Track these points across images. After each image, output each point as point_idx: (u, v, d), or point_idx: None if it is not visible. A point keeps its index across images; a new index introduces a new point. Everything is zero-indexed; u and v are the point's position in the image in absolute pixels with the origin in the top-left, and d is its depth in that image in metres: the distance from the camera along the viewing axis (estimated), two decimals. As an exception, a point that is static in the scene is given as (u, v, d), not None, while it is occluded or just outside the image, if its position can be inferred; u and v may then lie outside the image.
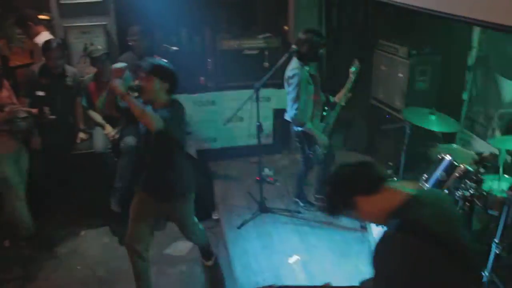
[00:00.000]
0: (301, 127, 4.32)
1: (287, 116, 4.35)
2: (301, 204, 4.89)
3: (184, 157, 3.51)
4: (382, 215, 1.93)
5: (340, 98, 4.51)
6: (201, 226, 3.90)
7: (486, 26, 3.10)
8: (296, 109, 4.20)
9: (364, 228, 4.31)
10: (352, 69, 4.43)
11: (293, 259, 4.11)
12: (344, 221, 4.58)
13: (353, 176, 2.03)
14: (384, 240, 1.88)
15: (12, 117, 4.05)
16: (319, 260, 4.08)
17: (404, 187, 1.98)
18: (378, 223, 2.08)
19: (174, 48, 5.04)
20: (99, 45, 5.06)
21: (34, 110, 4.26)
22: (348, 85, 4.46)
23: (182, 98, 5.38)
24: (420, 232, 1.77)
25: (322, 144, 4.37)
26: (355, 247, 4.24)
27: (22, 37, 5.70)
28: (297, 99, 4.18)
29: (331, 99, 4.55)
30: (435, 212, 1.88)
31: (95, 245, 4.46)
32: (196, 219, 3.78)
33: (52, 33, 5.16)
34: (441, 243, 1.77)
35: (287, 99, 4.30)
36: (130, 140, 4.61)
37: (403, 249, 1.79)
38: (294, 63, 4.22)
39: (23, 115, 4.11)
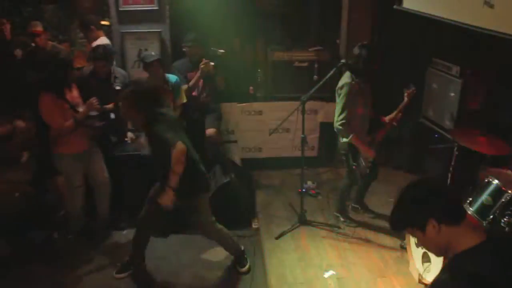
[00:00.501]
0: (346, 138, 4.32)
1: (335, 126, 4.37)
2: (342, 219, 4.84)
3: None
4: (448, 251, 1.82)
5: (391, 118, 4.57)
6: (225, 229, 4.03)
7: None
8: (343, 119, 4.23)
9: (403, 249, 4.21)
10: (408, 91, 4.49)
11: (329, 274, 4.07)
12: (384, 239, 4.53)
13: (439, 195, 1.86)
14: (436, 285, 1.82)
15: (87, 115, 4.24)
16: (355, 278, 4.02)
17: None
18: (438, 255, 1.98)
19: (221, 51, 5.11)
20: (153, 51, 5.24)
21: (109, 106, 4.51)
22: (401, 106, 4.52)
23: (228, 106, 5.60)
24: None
25: (366, 158, 4.36)
26: (393, 267, 4.15)
27: (83, 41, 5.96)
28: (344, 109, 4.22)
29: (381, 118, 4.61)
30: (501, 269, 1.74)
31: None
32: (213, 220, 3.93)
33: (110, 38, 5.40)
34: None
35: (336, 109, 4.35)
36: None
37: None
38: (346, 74, 4.30)
39: (95, 113, 4.32)
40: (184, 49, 5.23)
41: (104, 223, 4.69)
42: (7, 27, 5.22)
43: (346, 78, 4.28)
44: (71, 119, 4.12)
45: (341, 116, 4.24)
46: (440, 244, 1.83)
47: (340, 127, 4.26)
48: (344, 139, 4.36)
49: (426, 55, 5.65)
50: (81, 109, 4.21)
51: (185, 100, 4.95)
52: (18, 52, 5.27)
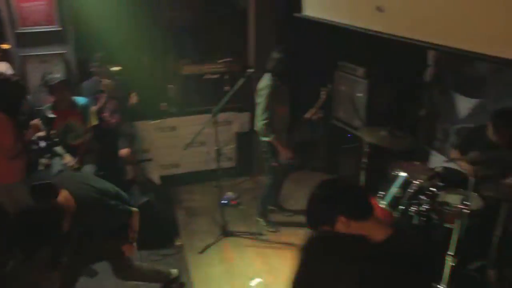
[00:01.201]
0: (268, 137, 4.44)
1: (256, 126, 4.51)
2: (263, 223, 4.90)
3: None
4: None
5: (308, 117, 4.74)
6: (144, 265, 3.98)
7: (441, 49, 3.19)
8: (265, 119, 4.37)
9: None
10: (324, 90, 4.73)
11: (256, 282, 4.08)
12: (306, 241, 4.60)
13: (347, 193, 1.96)
14: None
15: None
16: (282, 282, 4.02)
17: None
18: None
19: (116, 68, 4.99)
20: (58, 73, 5.02)
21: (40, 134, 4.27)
22: (318, 104, 4.70)
23: (141, 124, 5.48)
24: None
25: (285, 156, 4.51)
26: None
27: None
28: (266, 109, 4.37)
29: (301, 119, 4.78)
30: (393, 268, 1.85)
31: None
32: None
33: (11, 62, 5.13)
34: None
35: (257, 110, 4.48)
36: (89, 168, 4.56)
37: None
38: (266, 76, 4.44)
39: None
40: (92, 70, 5.05)
41: None
42: None
43: (266, 80, 4.43)
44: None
45: (264, 116, 4.39)
46: (361, 232, 1.91)
47: (263, 126, 4.40)
48: (265, 138, 4.48)
49: (333, 59, 5.84)
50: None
51: (95, 123, 4.79)
52: None
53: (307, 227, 2.04)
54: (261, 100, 4.42)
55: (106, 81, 4.81)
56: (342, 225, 1.87)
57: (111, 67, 5.05)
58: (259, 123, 4.43)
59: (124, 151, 5.05)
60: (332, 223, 1.88)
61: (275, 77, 4.41)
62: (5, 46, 5.33)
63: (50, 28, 5.19)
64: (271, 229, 4.87)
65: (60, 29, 5.21)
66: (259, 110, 4.45)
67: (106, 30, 5.21)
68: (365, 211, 1.91)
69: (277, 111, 4.46)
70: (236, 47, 6.13)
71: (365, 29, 4.18)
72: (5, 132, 3.91)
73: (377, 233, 1.87)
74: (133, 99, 5.16)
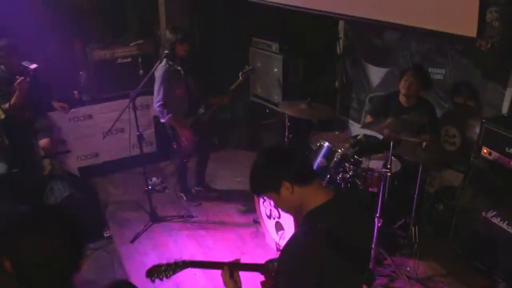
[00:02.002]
0: (163, 119, 4.51)
1: (154, 108, 4.58)
2: (185, 198, 4.99)
3: None
4: (302, 210, 1.93)
5: (222, 99, 4.80)
6: None
7: (348, 19, 3.31)
8: (159, 101, 4.43)
9: (257, 223, 4.38)
10: (244, 70, 4.75)
11: (191, 263, 4.06)
12: (237, 217, 4.68)
13: (289, 158, 1.94)
14: (291, 243, 1.93)
15: None
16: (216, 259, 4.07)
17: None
18: (293, 215, 2.09)
19: (33, 66, 4.60)
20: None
21: None
22: (234, 86, 4.73)
23: (55, 115, 5.20)
24: (324, 241, 1.78)
25: (185, 137, 4.57)
26: (251, 242, 4.32)
27: None
28: (159, 92, 4.43)
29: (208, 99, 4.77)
30: (346, 222, 1.91)
31: None
32: None
33: None
34: (342, 252, 1.80)
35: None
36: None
37: (306, 255, 1.80)
38: (163, 61, 4.39)
39: None
40: None
41: None
42: None
43: (162, 64, 4.41)
44: None
45: (158, 98, 4.44)
46: (294, 204, 1.94)
47: (158, 108, 4.46)
48: (163, 120, 4.54)
49: (246, 35, 5.87)
50: None
51: (2, 117, 4.45)
52: None
53: (252, 193, 2.08)
54: (155, 85, 4.45)
55: (21, 81, 4.42)
56: (286, 191, 1.90)
57: (27, 64, 4.61)
58: (155, 105, 4.50)
59: (44, 142, 4.78)
60: (277, 189, 1.91)
61: (168, 59, 4.39)
62: None
63: None
64: (194, 203, 4.96)
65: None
66: (154, 93, 4.49)
67: (5, 16, 4.83)
68: (308, 176, 1.94)
69: (173, 93, 4.50)
70: (147, 29, 5.97)
71: (280, 4, 4.24)
72: None
73: (318, 198, 1.91)
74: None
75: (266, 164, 1.96)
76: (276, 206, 2.17)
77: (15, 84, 4.37)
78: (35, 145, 4.92)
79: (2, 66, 4.63)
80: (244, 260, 3.84)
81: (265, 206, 4.05)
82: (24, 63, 4.53)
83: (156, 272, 2.34)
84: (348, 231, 1.87)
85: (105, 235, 4.57)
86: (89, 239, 4.42)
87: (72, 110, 5.30)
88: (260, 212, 4.18)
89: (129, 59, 5.54)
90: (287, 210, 2.04)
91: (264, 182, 1.96)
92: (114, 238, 4.52)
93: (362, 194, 3.85)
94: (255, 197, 4.17)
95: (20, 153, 4.62)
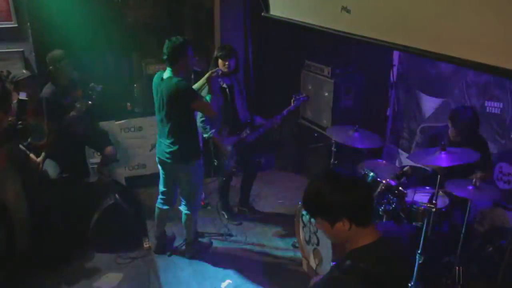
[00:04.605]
0: (206, 135, 4.47)
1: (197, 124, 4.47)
2: (226, 216, 4.97)
3: None
4: (346, 244, 1.89)
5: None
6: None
7: (405, 50, 3.24)
8: (201, 116, 4.41)
9: (296, 248, 4.31)
10: (297, 97, 4.74)
11: (225, 284, 4.05)
12: (275, 241, 4.63)
13: (357, 195, 1.85)
14: (328, 278, 1.88)
15: None
16: (251, 283, 4.04)
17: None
18: (336, 243, 1.99)
19: (100, 87, 4.77)
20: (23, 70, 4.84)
21: None
22: (286, 112, 4.70)
23: (107, 125, 5.37)
24: (363, 283, 1.74)
25: (226, 155, 4.53)
26: (288, 267, 4.26)
27: None
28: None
29: (257, 119, 4.77)
30: (388, 267, 1.86)
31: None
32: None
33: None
34: None
35: None
36: (51, 169, 4.45)
37: None
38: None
39: None
40: (50, 68, 4.61)
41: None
42: None
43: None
44: None
45: (201, 113, 4.40)
46: (343, 239, 1.90)
47: (201, 124, 4.42)
48: (205, 135, 4.50)
49: (299, 58, 5.86)
50: None
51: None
52: None
53: (304, 209, 2.03)
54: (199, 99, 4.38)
55: (84, 104, 4.62)
56: (342, 227, 1.84)
57: (95, 85, 4.77)
58: (198, 121, 4.40)
59: (108, 150, 4.93)
60: (334, 221, 1.85)
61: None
62: None
63: (5, 24, 4.98)
64: (234, 222, 4.94)
65: (16, 25, 5.02)
66: None
67: (67, 28, 5.05)
68: (368, 219, 1.88)
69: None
70: (202, 47, 6.08)
71: (331, 29, 4.20)
72: None
73: (365, 238, 1.87)
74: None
75: (333, 194, 1.84)
76: (321, 230, 2.07)
77: (77, 104, 4.56)
78: (85, 153, 5.09)
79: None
80: (277, 285, 3.86)
81: (305, 231, 3.99)
82: (92, 85, 4.70)
83: None
84: (388, 276, 1.83)
85: (145, 245, 4.64)
86: (128, 248, 4.54)
87: (124, 121, 5.46)
88: (299, 237, 4.11)
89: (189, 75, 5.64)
90: (332, 239, 2.01)
91: (324, 210, 1.88)
92: (152, 249, 4.58)
93: (405, 228, 3.72)
94: (296, 222, 4.11)
95: (72, 160, 4.79)
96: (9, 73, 4.76)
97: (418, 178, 3.98)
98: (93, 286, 4.14)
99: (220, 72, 4.26)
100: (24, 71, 4.70)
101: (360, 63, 5.46)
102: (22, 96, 4.14)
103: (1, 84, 4.17)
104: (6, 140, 3.97)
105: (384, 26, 3.48)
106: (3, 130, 3.91)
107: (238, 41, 5.77)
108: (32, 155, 4.50)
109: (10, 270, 4.15)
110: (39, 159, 4.49)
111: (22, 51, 5.10)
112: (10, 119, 4.01)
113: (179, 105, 3.83)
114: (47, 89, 4.60)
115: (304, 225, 3.99)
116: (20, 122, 3.96)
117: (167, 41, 3.83)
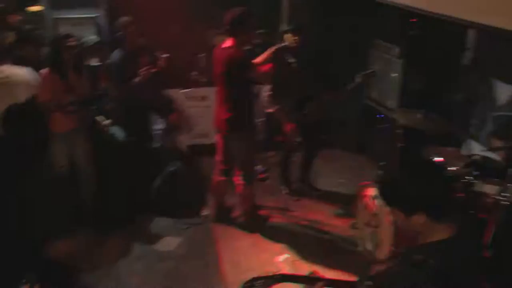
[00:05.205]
0: (270, 109, 4.52)
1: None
2: (285, 191, 5.00)
3: None
4: (420, 239, 1.85)
5: (336, 96, 4.70)
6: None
7: (482, 29, 3.07)
8: (267, 91, 4.47)
9: (354, 229, 4.28)
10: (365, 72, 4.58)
11: (283, 257, 4.07)
12: (334, 220, 4.62)
13: (440, 198, 1.83)
14: (395, 271, 1.89)
15: None
16: (308, 260, 4.04)
17: None
18: (407, 235, 1.97)
19: (166, 55, 4.80)
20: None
21: None
22: (352, 86, 4.57)
23: (173, 93, 5.46)
24: (433, 280, 1.70)
25: (290, 131, 4.48)
26: (344, 247, 4.24)
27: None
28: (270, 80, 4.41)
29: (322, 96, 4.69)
30: (460, 266, 1.81)
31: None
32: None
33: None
34: None
35: None
36: (118, 132, 4.59)
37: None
38: None
39: None
40: (119, 34, 4.80)
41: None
42: None
43: None
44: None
45: (266, 88, 4.47)
46: (416, 229, 1.86)
47: (266, 98, 4.47)
48: (269, 109, 4.54)
49: (367, 36, 5.72)
50: None
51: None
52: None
53: (381, 196, 1.98)
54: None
55: (146, 68, 4.68)
56: (418, 220, 1.80)
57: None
58: (263, 95, 4.46)
59: (175, 116, 5.04)
60: (410, 213, 1.81)
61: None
62: (36, 8, 5.29)
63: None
64: (293, 198, 4.95)
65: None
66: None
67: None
68: (445, 213, 1.83)
69: (282, 85, 4.43)
70: (269, 20, 6.03)
71: (408, 6, 4.06)
72: (47, 87, 3.98)
73: (440, 233, 1.81)
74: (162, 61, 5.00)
75: (412, 186, 1.83)
76: (394, 222, 2.03)
77: (142, 70, 4.63)
78: (151, 119, 5.20)
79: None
80: (333, 269, 3.84)
81: (365, 213, 3.94)
82: (158, 53, 4.77)
83: (253, 285, 2.30)
84: (459, 276, 1.76)
85: (203, 213, 4.74)
86: (187, 215, 4.65)
87: (189, 90, 5.53)
88: (359, 219, 4.08)
89: (249, 46, 5.61)
90: (404, 231, 1.92)
91: (401, 200, 1.86)
92: (212, 218, 4.66)
93: (470, 219, 3.60)
94: (356, 203, 4.07)
95: (137, 125, 4.92)
96: (80, 38, 4.92)
97: (488, 168, 3.83)
98: (152, 247, 4.28)
99: (286, 46, 4.22)
100: (94, 37, 4.81)
101: (430, 44, 5.26)
102: (94, 61, 4.27)
103: (74, 49, 4.29)
104: (85, 105, 4.11)
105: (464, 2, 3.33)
106: (82, 95, 4.06)
107: (306, 16, 5.68)
108: (100, 118, 4.64)
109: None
110: (106, 122, 4.62)
111: (96, 17, 5.23)
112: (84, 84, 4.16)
113: (235, 74, 3.86)
114: (115, 55, 4.73)
115: (365, 207, 3.95)
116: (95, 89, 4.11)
117: (229, 12, 3.83)
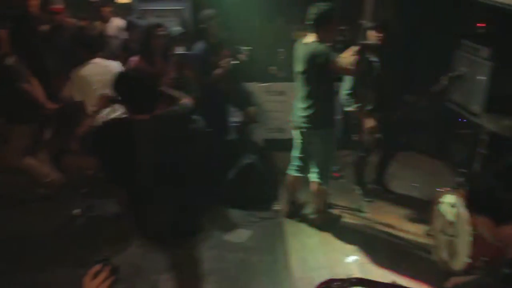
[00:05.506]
0: (349, 108, 4.46)
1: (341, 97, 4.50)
2: (358, 192, 4.93)
3: None
4: (508, 253, 1.72)
5: (419, 99, 4.72)
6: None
7: None
8: (346, 89, 4.37)
9: (429, 236, 4.14)
10: (451, 74, 4.56)
11: (352, 259, 4.04)
12: (408, 225, 4.50)
13: None
14: (478, 283, 1.82)
15: None
16: (378, 264, 3.97)
17: None
18: (493, 247, 1.88)
19: (246, 49, 4.92)
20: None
21: None
22: (437, 88, 4.53)
23: (252, 86, 5.53)
24: None
25: (367, 130, 4.45)
26: (417, 254, 4.12)
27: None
28: (347, 80, 4.38)
29: (405, 97, 4.65)
30: None
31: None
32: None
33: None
34: None
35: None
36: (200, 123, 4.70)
37: None
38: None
39: None
40: (201, 27, 4.86)
41: None
42: (36, 2, 5.17)
43: None
44: None
45: (346, 86, 4.38)
46: (504, 240, 1.74)
47: (346, 96, 4.40)
48: (348, 108, 4.49)
49: (453, 36, 5.49)
50: None
51: None
52: (45, 28, 5.21)
53: (470, 201, 1.86)
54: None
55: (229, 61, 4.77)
56: (508, 229, 1.69)
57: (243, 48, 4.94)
58: (342, 93, 4.39)
59: (252, 109, 5.12)
60: (501, 223, 1.69)
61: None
62: (125, 0, 5.53)
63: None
64: (366, 199, 4.88)
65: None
66: (343, 80, 4.42)
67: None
68: None
69: (361, 84, 4.38)
70: (350, 16, 5.93)
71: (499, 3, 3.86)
72: None
73: None
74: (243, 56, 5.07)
75: (508, 194, 1.68)
76: (480, 230, 1.92)
77: (221, 63, 4.71)
78: (229, 112, 5.30)
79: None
80: (404, 276, 3.74)
81: (441, 220, 3.81)
82: (238, 46, 4.86)
83: (330, 287, 2.27)
84: None
85: (275, 208, 4.78)
86: (259, 208, 4.70)
87: (267, 84, 5.57)
88: (435, 226, 3.95)
89: (330, 43, 5.56)
90: (490, 240, 1.81)
91: (492, 209, 1.72)
92: (283, 213, 4.69)
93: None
94: (432, 210, 3.95)
95: (215, 116, 5.02)
96: (166, 28, 5.09)
97: None
98: (223, 237, 4.38)
99: (369, 44, 4.14)
100: (179, 28, 4.96)
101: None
102: (180, 51, 4.41)
103: (163, 38, 4.46)
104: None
105: None
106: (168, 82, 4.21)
107: (390, 12, 5.54)
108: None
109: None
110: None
111: (181, 10, 5.38)
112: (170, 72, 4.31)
113: (317, 69, 3.84)
114: (198, 46, 4.85)
115: (441, 214, 3.82)
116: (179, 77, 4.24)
117: (313, 7, 3.82)
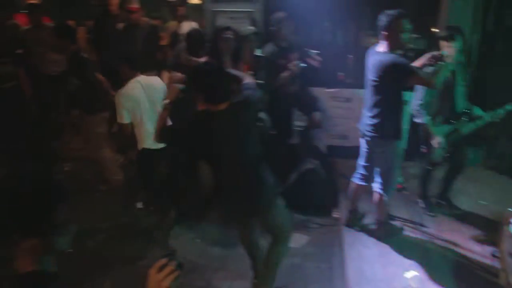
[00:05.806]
0: (419, 120, 4.42)
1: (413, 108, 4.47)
2: (422, 205, 4.81)
3: None
4: None
5: (493, 115, 4.37)
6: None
7: None
8: (418, 100, 4.32)
9: (495, 258, 3.97)
10: None
11: (410, 274, 3.93)
12: (472, 244, 4.31)
13: None
14: None
15: None
16: (437, 282, 3.83)
17: None
18: None
19: (316, 52, 4.88)
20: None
21: None
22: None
23: (318, 91, 5.49)
24: None
25: (436, 143, 4.35)
26: (481, 276, 3.93)
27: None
28: (419, 91, 4.34)
29: (476, 110, 4.42)
30: None
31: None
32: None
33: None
34: None
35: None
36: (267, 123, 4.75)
37: None
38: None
39: None
40: (271, 29, 4.90)
41: None
42: (116, 1, 5.40)
43: None
44: None
45: (418, 97, 4.35)
46: None
47: (416, 107, 4.37)
48: (418, 120, 4.45)
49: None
50: None
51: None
52: (120, 26, 5.44)
53: None
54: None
55: (293, 63, 4.73)
56: None
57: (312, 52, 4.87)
58: (414, 103, 4.35)
59: (318, 115, 5.12)
60: None
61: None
62: (196, 1, 5.65)
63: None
64: (429, 213, 4.74)
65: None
66: (415, 91, 4.37)
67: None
68: None
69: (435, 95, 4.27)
70: (423, 24, 5.77)
71: None
72: None
73: None
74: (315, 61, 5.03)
75: None
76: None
77: (289, 66, 4.71)
78: (294, 115, 5.30)
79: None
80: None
81: (510, 243, 3.64)
82: (308, 50, 4.84)
83: None
84: None
85: (334, 215, 4.74)
86: (318, 214, 4.67)
87: (334, 90, 5.53)
88: (503, 247, 3.77)
89: (401, 52, 5.44)
90: None
91: None
92: (342, 221, 4.64)
93: None
94: (501, 230, 3.77)
95: (279, 119, 5.04)
96: (236, 29, 5.15)
97: None
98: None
99: (443, 55, 4.01)
100: (252, 27, 5.01)
101: None
102: (258, 52, 4.47)
103: (231, 41, 4.52)
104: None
105: None
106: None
107: (465, 22, 5.33)
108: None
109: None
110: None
111: (252, 12, 5.44)
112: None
113: (390, 79, 3.75)
114: (267, 48, 4.88)
115: (510, 236, 3.64)
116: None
117: (382, 14, 3.75)
